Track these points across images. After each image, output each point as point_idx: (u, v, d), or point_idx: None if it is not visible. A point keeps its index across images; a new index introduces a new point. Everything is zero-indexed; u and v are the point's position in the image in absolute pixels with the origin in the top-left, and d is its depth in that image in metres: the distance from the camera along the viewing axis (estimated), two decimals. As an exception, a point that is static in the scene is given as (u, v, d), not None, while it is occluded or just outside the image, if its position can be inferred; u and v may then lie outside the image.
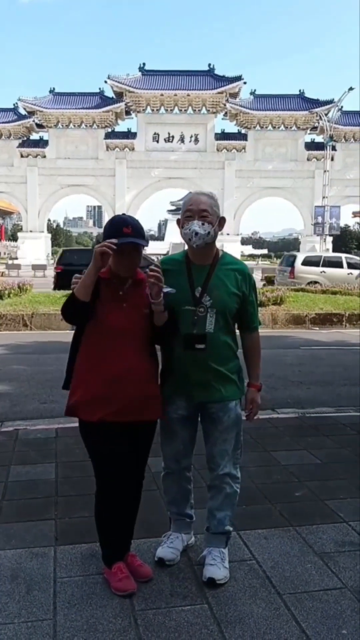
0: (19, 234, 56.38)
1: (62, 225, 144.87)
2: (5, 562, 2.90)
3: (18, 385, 7.29)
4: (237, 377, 2.87)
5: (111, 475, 2.65)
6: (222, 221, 2.81)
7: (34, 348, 10.26)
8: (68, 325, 11.75)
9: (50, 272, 36.39)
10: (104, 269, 2.57)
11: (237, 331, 2.94)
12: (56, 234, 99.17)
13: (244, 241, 73.80)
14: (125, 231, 2.54)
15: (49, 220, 62.79)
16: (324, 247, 42.71)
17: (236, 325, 2.92)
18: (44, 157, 51.96)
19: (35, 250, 50.75)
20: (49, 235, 58.58)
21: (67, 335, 11.10)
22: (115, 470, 2.65)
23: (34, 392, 6.96)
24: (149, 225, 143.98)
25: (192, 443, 2.95)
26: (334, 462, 4.46)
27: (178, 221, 2.83)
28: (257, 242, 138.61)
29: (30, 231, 52.89)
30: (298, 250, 39.21)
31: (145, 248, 2.73)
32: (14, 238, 72.12)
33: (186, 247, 2.82)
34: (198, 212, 2.70)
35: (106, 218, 63.59)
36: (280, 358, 9.21)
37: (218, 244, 2.90)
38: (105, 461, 2.65)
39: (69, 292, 2.66)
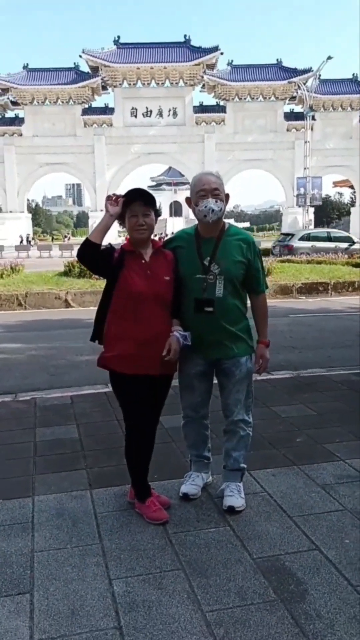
0: (-1, 215, 55.91)
1: (41, 205, 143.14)
2: (49, 503, 3.31)
3: (25, 360, 7.63)
4: (247, 336, 3.27)
5: (139, 415, 3.07)
6: (227, 197, 3.17)
7: (32, 326, 10.57)
8: (62, 303, 12.01)
9: (34, 253, 36.43)
10: (125, 244, 3.02)
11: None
12: (35, 213, 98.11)
13: (226, 215, 73.58)
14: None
15: (28, 200, 62.06)
16: (306, 219, 43.07)
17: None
18: (20, 135, 51.15)
19: (16, 231, 50.41)
20: (30, 215, 58.10)
21: (62, 312, 11.36)
22: (141, 411, 3.06)
23: (41, 366, 7.31)
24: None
25: (208, 395, 3.35)
26: (329, 413, 4.92)
27: (187, 200, 3.18)
28: (238, 216, 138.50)
29: (10, 212, 52.35)
30: (279, 222, 39.71)
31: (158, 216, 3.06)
32: (-7, 219, 71.15)
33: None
34: (211, 191, 3.05)
35: (86, 196, 62.60)
36: (271, 326, 9.59)
37: None
38: (134, 404, 3.06)
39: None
